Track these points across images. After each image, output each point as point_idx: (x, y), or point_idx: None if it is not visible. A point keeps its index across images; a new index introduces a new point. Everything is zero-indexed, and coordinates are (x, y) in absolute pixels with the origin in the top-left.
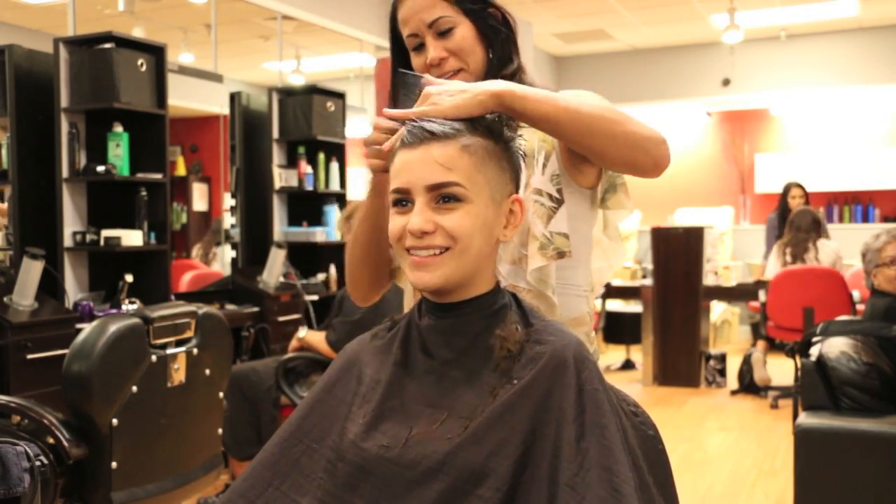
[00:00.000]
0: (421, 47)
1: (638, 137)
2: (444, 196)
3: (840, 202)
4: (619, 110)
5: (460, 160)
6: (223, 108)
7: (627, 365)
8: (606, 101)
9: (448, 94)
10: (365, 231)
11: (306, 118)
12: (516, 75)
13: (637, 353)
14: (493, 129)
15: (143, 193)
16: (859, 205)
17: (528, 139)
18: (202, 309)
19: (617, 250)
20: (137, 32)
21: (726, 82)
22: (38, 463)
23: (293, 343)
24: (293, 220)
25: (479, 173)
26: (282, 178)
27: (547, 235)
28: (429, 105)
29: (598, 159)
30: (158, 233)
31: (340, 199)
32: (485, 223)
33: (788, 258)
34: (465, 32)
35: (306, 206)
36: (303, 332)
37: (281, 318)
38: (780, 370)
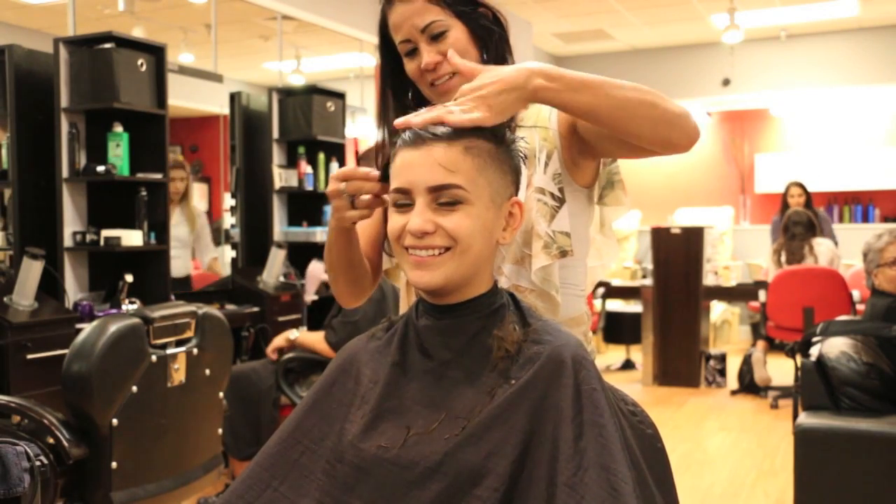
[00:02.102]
0: (414, 52)
1: (672, 116)
2: (445, 198)
3: (840, 202)
4: (649, 89)
5: (463, 162)
6: (223, 108)
7: (627, 365)
8: (656, 92)
9: (485, 96)
10: (337, 259)
11: (306, 118)
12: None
13: (637, 353)
14: (495, 131)
15: (143, 193)
16: (859, 205)
17: (530, 138)
18: (202, 309)
19: (611, 248)
20: (137, 32)
21: (726, 82)
22: (38, 463)
23: (278, 340)
24: (293, 220)
25: (480, 176)
26: (282, 178)
27: (550, 234)
28: (471, 107)
29: (636, 140)
30: (158, 233)
31: None
32: (485, 225)
33: (784, 265)
34: (457, 35)
35: (306, 206)
36: (295, 332)
37: (281, 318)
38: (780, 370)
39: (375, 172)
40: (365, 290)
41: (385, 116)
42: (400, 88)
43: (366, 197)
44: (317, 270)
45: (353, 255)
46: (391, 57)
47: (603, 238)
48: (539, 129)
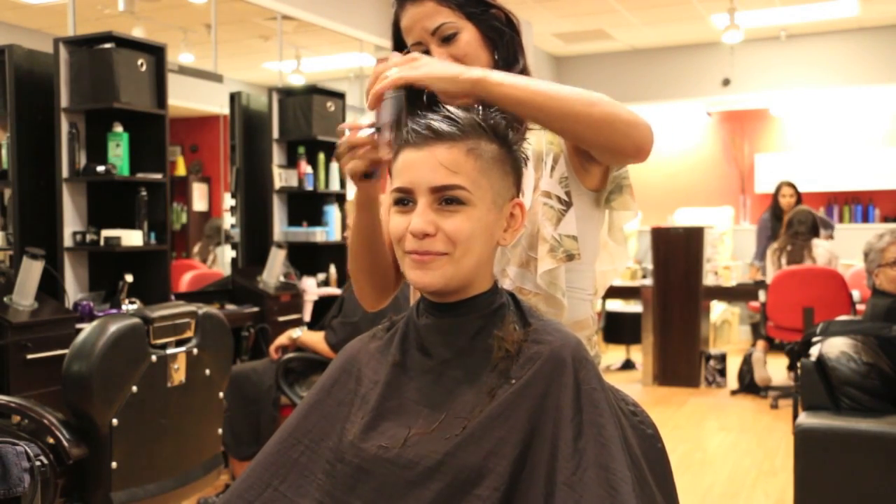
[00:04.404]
0: (426, 55)
1: (615, 119)
2: (447, 198)
3: (840, 202)
4: (602, 95)
5: (465, 163)
6: (223, 108)
7: (627, 365)
8: (605, 96)
9: (431, 63)
10: (360, 246)
11: (306, 118)
12: (522, 75)
13: (637, 353)
14: (498, 132)
15: (143, 193)
16: (859, 205)
17: (537, 142)
18: (202, 309)
19: (622, 253)
20: (137, 32)
21: (726, 82)
22: (38, 463)
23: (282, 339)
24: (293, 220)
25: (483, 177)
26: (282, 178)
27: (556, 238)
28: (411, 66)
29: (579, 143)
30: (158, 233)
31: (340, 198)
32: (486, 227)
33: (784, 265)
34: (468, 37)
35: (306, 206)
36: (297, 332)
37: (281, 318)
38: (780, 370)
39: (365, 121)
40: (388, 291)
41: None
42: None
43: (365, 149)
44: None
45: (377, 245)
46: None
47: (614, 242)
48: (547, 132)
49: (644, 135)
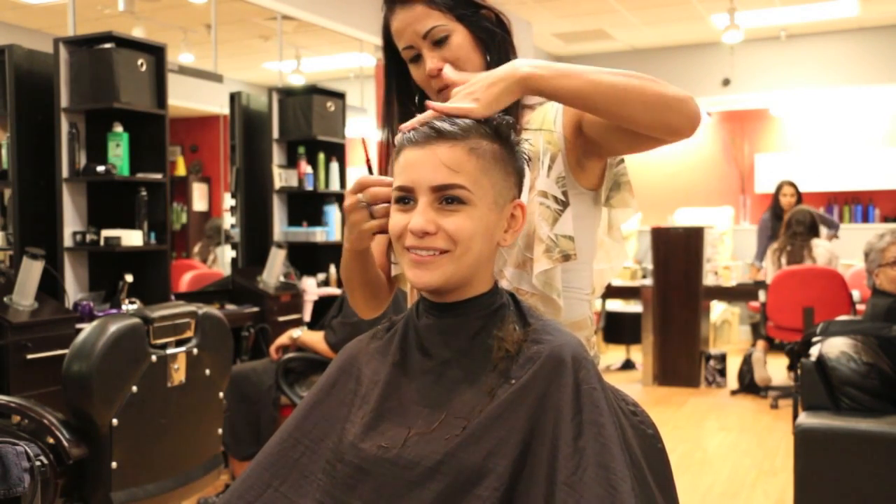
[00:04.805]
0: (418, 58)
1: (669, 98)
2: (447, 198)
3: (840, 202)
4: (643, 75)
5: (467, 163)
6: (223, 108)
7: (627, 365)
8: (648, 76)
9: (473, 91)
10: (352, 270)
11: (306, 118)
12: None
13: (637, 353)
14: (500, 132)
15: (143, 193)
16: (859, 205)
17: (534, 141)
18: (202, 309)
19: (620, 251)
20: (137, 32)
21: (726, 82)
22: (38, 463)
23: (282, 339)
24: (293, 220)
25: (484, 177)
26: (282, 178)
27: (552, 238)
28: (461, 101)
29: (634, 125)
30: (158, 233)
31: (340, 199)
32: (486, 227)
33: (784, 265)
34: (460, 39)
35: (306, 206)
36: (298, 332)
37: (281, 318)
38: (780, 370)
39: (390, 179)
40: (382, 301)
41: (389, 122)
42: (406, 94)
43: (384, 204)
44: None
45: (370, 274)
46: (395, 62)
47: (611, 240)
48: (544, 132)
49: (694, 109)
